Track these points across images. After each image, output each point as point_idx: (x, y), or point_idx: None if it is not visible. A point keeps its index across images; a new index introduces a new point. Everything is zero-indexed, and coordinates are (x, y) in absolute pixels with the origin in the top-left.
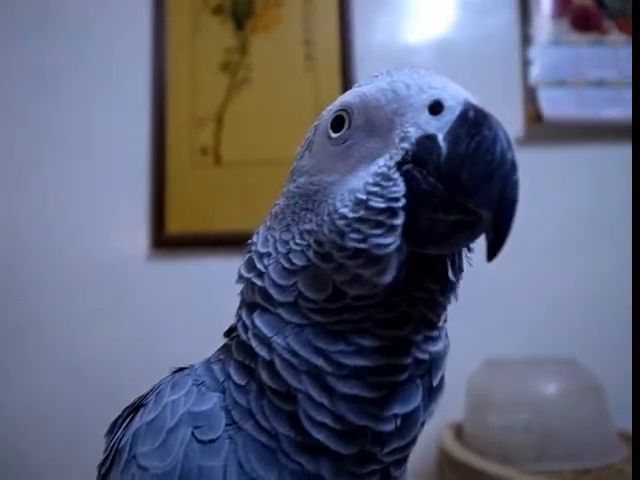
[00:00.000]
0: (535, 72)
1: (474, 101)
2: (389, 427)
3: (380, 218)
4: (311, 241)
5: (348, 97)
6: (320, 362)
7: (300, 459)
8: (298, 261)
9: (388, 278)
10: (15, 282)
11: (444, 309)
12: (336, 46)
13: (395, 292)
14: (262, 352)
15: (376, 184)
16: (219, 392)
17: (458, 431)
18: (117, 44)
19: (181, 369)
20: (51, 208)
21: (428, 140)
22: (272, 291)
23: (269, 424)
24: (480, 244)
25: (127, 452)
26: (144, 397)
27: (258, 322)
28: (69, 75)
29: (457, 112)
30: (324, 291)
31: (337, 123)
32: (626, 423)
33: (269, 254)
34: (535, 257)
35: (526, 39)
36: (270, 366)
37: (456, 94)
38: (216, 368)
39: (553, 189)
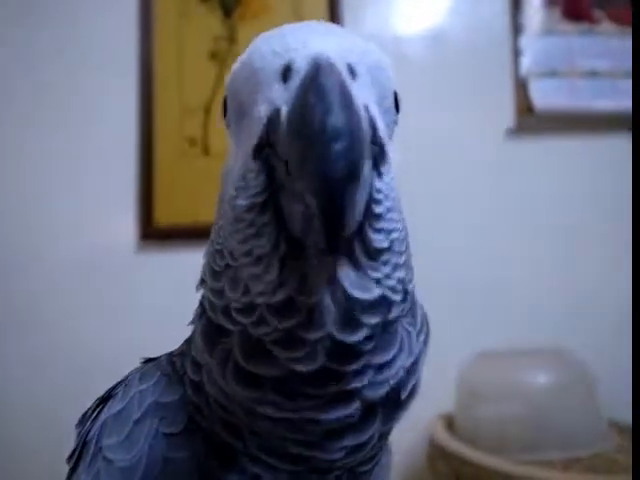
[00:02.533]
0: (526, 62)
1: (333, 53)
2: (337, 455)
3: (249, 217)
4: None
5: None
6: (238, 402)
7: (254, 469)
8: (220, 261)
9: (271, 276)
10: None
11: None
12: None
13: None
14: (201, 360)
15: (241, 177)
16: (181, 385)
17: (449, 422)
18: (104, 33)
19: (151, 359)
20: (37, 199)
21: (276, 115)
22: (213, 298)
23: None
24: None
25: (94, 444)
26: (114, 388)
27: (197, 332)
28: (55, 63)
29: (302, 74)
30: (238, 290)
31: (224, 107)
32: (616, 412)
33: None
34: (526, 248)
35: (517, 29)
36: (208, 373)
37: (308, 51)
38: (177, 361)
39: (544, 179)
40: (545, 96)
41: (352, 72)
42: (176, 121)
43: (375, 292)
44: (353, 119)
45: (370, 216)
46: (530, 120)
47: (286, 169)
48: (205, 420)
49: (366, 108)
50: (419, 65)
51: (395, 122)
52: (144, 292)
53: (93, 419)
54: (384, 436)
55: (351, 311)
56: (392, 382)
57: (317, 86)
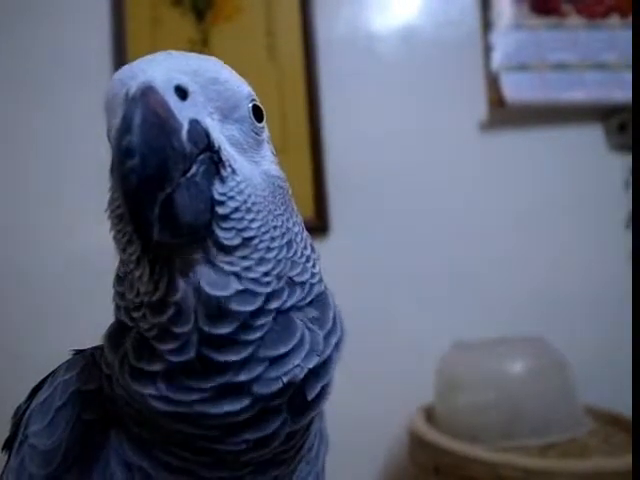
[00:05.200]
0: (497, 57)
1: (159, 78)
2: (240, 448)
3: (120, 227)
4: None
5: None
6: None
7: (165, 457)
8: (122, 267)
9: (146, 277)
10: None
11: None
12: (299, 35)
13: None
14: (108, 358)
15: (110, 191)
16: (100, 376)
17: (429, 414)
18: (76, 39)
19: (80, 351)
20: (18, 208)
21: None
22: (118, 300)
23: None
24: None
25: (22, 433)
26: (46, 379)
27: (107, 332)
28: (25, 72)
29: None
30: (133, 292)
31: None
32: (591, 397)
33: None
34: (500, 240)
35: (487, 24)
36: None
37: (139, 79)
38: (97, 354)
39: (517, 172)
40: (515, 89)
41: (182, 92)
42: None
43: (232, 287)
44: (152, 137)
45: (216, 217)
46: (502, 113)
47: None
48: (117, 409)
49: (194, 122)
50: (392, 62)
51: (256, 131)
52: None
53: (25, 409)
54: (299, 434)
55: (214, 305)
56: (285, 379)
57: (124, 110)
